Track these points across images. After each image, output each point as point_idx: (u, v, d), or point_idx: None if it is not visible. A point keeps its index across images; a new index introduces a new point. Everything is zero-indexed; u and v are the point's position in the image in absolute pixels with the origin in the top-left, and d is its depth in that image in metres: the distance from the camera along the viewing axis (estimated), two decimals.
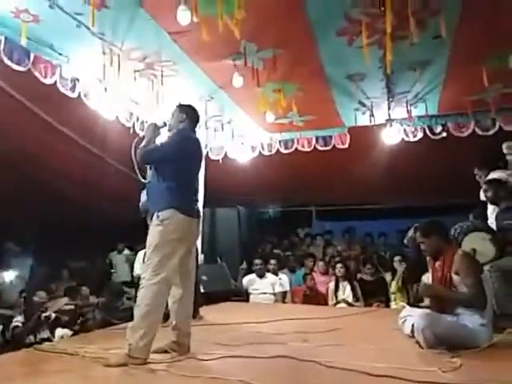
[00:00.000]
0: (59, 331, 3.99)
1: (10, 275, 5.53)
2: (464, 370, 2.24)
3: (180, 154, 2.68)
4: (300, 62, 3.90)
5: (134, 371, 2.36)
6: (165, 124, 2.91)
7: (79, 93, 3.81)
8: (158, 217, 2.60)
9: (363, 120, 5.01)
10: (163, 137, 2.93)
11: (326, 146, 5.34)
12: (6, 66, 3.26)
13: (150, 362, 2.46)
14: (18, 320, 3.98)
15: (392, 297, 5.16)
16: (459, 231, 3.92)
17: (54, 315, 4.02)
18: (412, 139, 5.03)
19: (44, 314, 3.99)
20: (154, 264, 2.54)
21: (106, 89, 3.97)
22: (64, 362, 2.58)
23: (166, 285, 2.57)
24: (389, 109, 4.67)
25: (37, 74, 3.46)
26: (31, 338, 3.71)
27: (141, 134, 4.58)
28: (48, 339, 3.76)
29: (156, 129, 2.86)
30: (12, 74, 3.41)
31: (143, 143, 2.77)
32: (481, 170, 4.31)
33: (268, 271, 5.67)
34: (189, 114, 2.88)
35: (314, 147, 5.38)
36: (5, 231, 4.13)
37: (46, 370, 2.47)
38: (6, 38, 3.20)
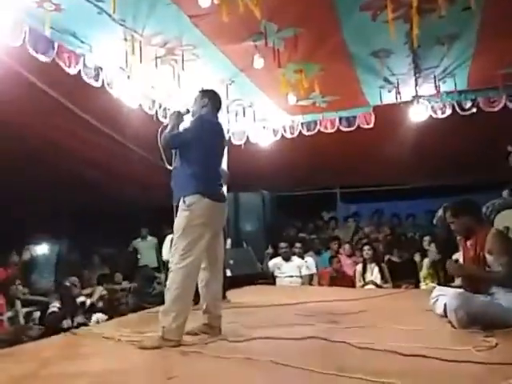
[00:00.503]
0: (94, 316, 4.13)
1: (42, 263, 5.72)
2: (499, 349, 2.20)
3: (202, 139, 2.70)
4: (322, 40, 3.81)
5: (168, 353, 2.42)
6: (188, 111, 2.92)
7: (102, 81, 3.84)
8: (184, 202, 2.62)
9: (389, 98, 4.87)
10: (186, 123, 2.93)
11: (349, 126, 5.23)
12: (31, 56, 3.28)
13: (182, 344, 2.52)
14: (55, 305, 4.12)
15: (422, 278, 5.09)
16: (491, 209, 3.83)
17: (89, 301, 4.15)
18: (440, 116, 4.85)
19: (79, 300, 4.13)
20: (182, 248, 2.58)
21: (128, 77, 3.99)
22: (100, 346, 2.67)
23: (193, 268, 2.60)
24: (416, 85, 4.51)
25: (61, 63, 3.49)
26: (68, 322, 3.84)
27: (164, 120, 4.66)
28: (84, 324, 3.89)
29: (179, 116, 2.87)
30: (37, 64, 3.44)
31: (167, 130, 2.79)
32: None
33: (294, 254, 5.69)
34: (211, 98, 2.89)
35: (338, 128, 5.28)
36: (35, 219, 4.27)
37: (83, 353, 2.57)
38: (30, 29, 3.22)
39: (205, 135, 2.71)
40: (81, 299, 4.19)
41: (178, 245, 2.61)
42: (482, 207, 3.58)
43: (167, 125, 2.86)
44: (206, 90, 2.97)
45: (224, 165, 3.90)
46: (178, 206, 2.69)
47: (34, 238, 3.78)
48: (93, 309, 4.13)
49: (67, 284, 4.37)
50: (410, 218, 7.61)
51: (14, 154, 5.02)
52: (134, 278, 5.78)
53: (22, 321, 3.91)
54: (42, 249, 5.32)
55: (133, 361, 2.35)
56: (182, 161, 2.74)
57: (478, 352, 2.13)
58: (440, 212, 3.32)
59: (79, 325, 3.78)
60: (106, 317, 4.12)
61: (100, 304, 4.33)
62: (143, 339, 2.60)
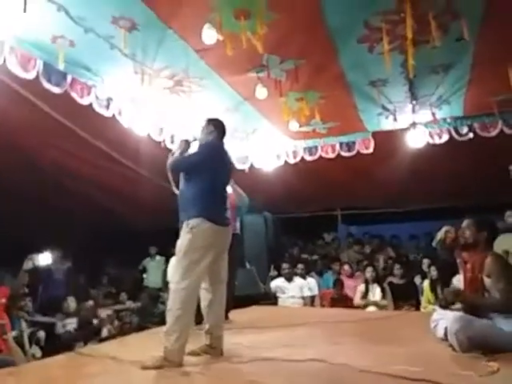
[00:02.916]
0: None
1: (50, 281, 5.78)
2: (502, 375, 2.16)
3: (207, 164, 2.79)
4: (322, 70, 3.97)
5: (170, 374, 2.43)
6: (195, 139, 3.04)
7: (113, 112, 4.01)
8: (187, 225, 2.71)
9: (387, 125, 5.02)
10: (193, 150, 3.07)
11: (349, 151, 5.36)
12: (45, 88, 3.47)
13: (185, 365, 2.54)
14: (72, 323, 4.10)
15: (423, 301, 5.12)
16: None
17: (105, 329, 4.15)
18: (437, 141, 4.98)
19: (96, 322, 4.11)
20: (182, 269, 2.65)
21: (137, 107, 4.15)
22: (103, 365, 2.67)
23: (194, 289, 2.66)
24: (413, 112, 4.65)
25: (74, 94, 3.67)
26: (81, 345, 3.82)
27: (171, 147, 4.82)
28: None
29: (187, 144, 2.99)
30: (50, 96, 3.62)
31: (174, 156, 2.93)
32: None
33: (296, 275, 5.73)
34: (216, 126, 2.99)
35: (338, 153, 5.41)
36: (48, 241, 4.37)
37: (86, 373, 2.57)
38: (44, 63, 3.40)
39: (210, 160, 2.81)
40: (96, 322, 4.18)
41: (179, 265, 2.68)
42: None
43: (175, 152, 3.00)
44: (212, 119, 3.08)
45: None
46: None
47: (42, 258, 3.85)
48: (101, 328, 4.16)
49: (87, 308, 4.35)
50: (410, 240, 7.65)
51: (26, 177, 5.19)
52: (139, 297, 5.81)
53: (26, 341, 3.94)
54: (49, 269, 5.37)
55: (136, 381, 2.37)
56: (188, 184, 2.84)
57: (480, 377, 2.10)
58: (440, 234, 3.37)
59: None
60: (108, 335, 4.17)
61: (106, 323, 4.35)
62: (146, 359, 2.62)
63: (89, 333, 4.07)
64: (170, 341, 2.56)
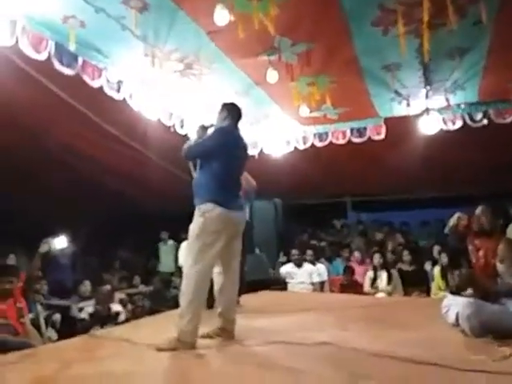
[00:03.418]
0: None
1: (63, 265, 5.84)
2: None
3: (221, 149, 2.78)
4: (334, 54, 3.91)
5: (184, 355, 2.46)
6: (212, 125, 3.01)
7: (124, 95, 3.99)
8: (199, 209, 2.73)
9: (399, 110, 4.95)
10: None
11: (360, 137, 5.30)
12: (57, 69, 3.44)
13: (197, 347, 2.57)
14: (86, 311, 4.14)
15: (434, 287, 5.11)
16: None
17: (123, 314, 4.16)
18: (451, 128, 4.91)
19: (114, 310, 4.13)
20: (194, 253, 2.68)
21: (148, 90, 4.12)
22: (118, 348, 2.72)
23: (206, 272, 2.69)
24: (426, 97, 4.57)
25: (85, 76, 3.65)
26: (97, 329, 3.86)
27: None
28: None
29: (204, 129, 2.98)
30: (62, 77, 3.59)
31: (192, 142, 2.94)
32: None
33: (305, 261, 5.75)
34: (230, 111, 2.98)
35: (349, 139, 5.36)
36: (62, 225, 4.41)
37: (101, 355, 2.62)
38: (56, 43, 3.38)
39: (223, 146, 2.80)
40: (116, 308, 4.18)
41: (191, 249, 2.71)
42: None
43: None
44: (226, 104, 3.06)
45: (249, 177, 4.01)
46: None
47: (58, 241, 3.89)
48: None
49: (104, 292, 4.36)
50: (421, 227, 7.62)
51: (39, 160, 5.21)
52: (151, 281, 5.86)
53: (42, 323, 4.00)
54: (63, 253, 5.43)
55: (150, 363, 2.40)
56: (202, 170, 2.85)
57: (493, 361, 2.10)
58: (452, 221, 3.34)
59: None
60: (123, 319, 4.22)
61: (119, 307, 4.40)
62: (160, 341, 2.66)
63: (106, 317, 4.10)
64: (183, 323, 2.59)
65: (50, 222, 4.93)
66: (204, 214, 2.70)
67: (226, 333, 2.83)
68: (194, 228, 2.73)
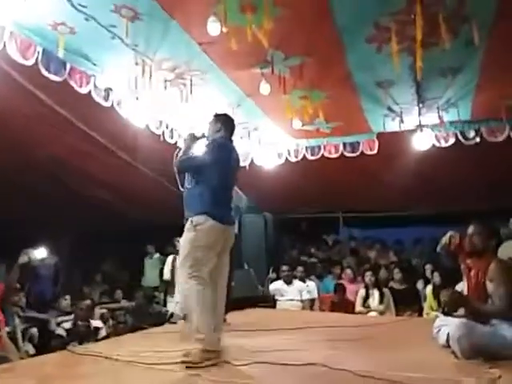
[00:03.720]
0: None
1: (43, 278, 5.70)
2: (503, 382, 2.15)
3: (215, 163, 2.76)
4: (327, 69, 3.90)
5: (167, 374, 2.38)
6: (203, 135, 3.00)
7: (112, 102, 3.94)
8: (191, 222, 2.68)
9: (392, 126, 4.94)
10: (200, 147, 2.99)
11: (353, 152, 5.28)
12: (44, 76, 3.39)
13: (183, 363, 2.49)
14: (63, 327, 4.01)
15: (426, 307, 5.04)
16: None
17: (104, 330, 4.06)
18: (444, 145, 4.91)
19: (94, 325, 4.01)
20: (188, 267, 2.63)
21: (137, 98, 4.08)
22: (97, 365, 2.65)
23: (203, 285, 2.63)
24: (419, 114, 4.58)
25: (72, 83, 3.59)
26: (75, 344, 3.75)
27: (170, 141, 4.74)
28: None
29: (194, 139, 2.96)
30: (49, 84, 3.54)
31: (181, 151, 2.89)
32: None
33: (295, 278, 5.66)
34: (224, 123, 2.96)
35: (342, 153, 5.34)
36: (43, 236, 4.30)
37: (80, 372, 2.55)
38: (43, 50, 3.33)
39: (220, 160, 2.78)
40: (96, 324, 4.06)
41: (184, 266, 2.66)
42: None
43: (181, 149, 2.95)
44: (220, 115, 3.04)
45: (238, 190, 3.97)
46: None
47: (37, 253, 3.78)
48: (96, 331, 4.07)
49: (83, 307, 4.21)
50: (413, 245, 7.58)
51: (22, 169, 5.10)
52: (134, 296, 5.73)
53: (19, 337, 3.87)
54: (43, 264, 5.29)
55: (130, 381, 2.34)
56: (194, 182, 2.81)
57: None
58: (444, 240, 3.30)
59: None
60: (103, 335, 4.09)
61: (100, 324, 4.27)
62: (186, 356, 2.56)
63: (85, 333, 3.96)
64: (206, 332, 2.55)
65: (30, 233, 4.81)
66: (195, 227, 2.64)
67: (212, 351, 2.72)
68: (184, 242, 2.68)
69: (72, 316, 4.33)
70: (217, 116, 3.01)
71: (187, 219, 2.74)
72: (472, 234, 2.97)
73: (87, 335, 3.89)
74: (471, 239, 2.96)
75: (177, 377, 2.36)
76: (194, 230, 2.64)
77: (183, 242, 2.70)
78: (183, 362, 2.49)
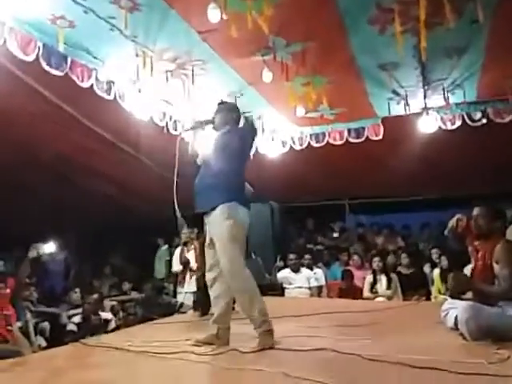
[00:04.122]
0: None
1: (53, 272, 5.76)
2: None
3: (240, 150, 2.79)
4: (330, 54, 3.85)
5: (178, 363, 2.40)
6: (210, 121, 2.96)
7: (114, 95, 3.93)
8: (222, 211, 2.63)
9: (397, 110, 4.89)
10: (208, 134, 2.96)
11: (358, 138, 5.25)
12: (45, 70, 3.38)
13: (191, 355, 2.50)
14: (73, 322, 4.05)
15: (434, 291, 5.04)
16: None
17: (113, 321, 4.10)
18: (450, 127, 4.86)
19: (103, 317, 4.04)
20: (237, 259, 2.63)
21: (139, 90, 4.07)
22: (110, 356, 2.67)
23: (245, 269, 2.66)
24: (425, 97, 4.53)
25: (74, 77, 3.59)
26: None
27: (174, 133, 4.73)
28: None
29: (202, 124, 2.96)
30: (50, 79, 3.53)
31: (190, 141, 2.91)
32: None
33: (303, 266, 5.67)
34: (230, 111, 2.95)
35: (346, 140, 5.30)
36: (52, 230, 4.35)
37: (92, 363, 2.58)
38: (44, 44, 3.33)
39: (242, 146, 2.81)
40: (105, 316, 4.09)
41: (233, 258, 2.63)
42: None
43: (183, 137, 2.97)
44: (228, 104, 3.04)
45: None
46: (203, 214, 2.75)
47: (47, 247, 3.82)
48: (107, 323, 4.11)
49: (92, 301, 4.24)
50: (420, 230, 7.55)
51: (28, 165, 5.13)
52: (144, 288, 5.77)
53: (31, 331, 3.92)
54: (53, 259, 5.35)
55: (142, 371, 2.35)
56: (213, 169, 2.75)
57: (491, 364, 2.08)
58: (451, 223, 3.29)
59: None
60: (113, 326, 4.14)
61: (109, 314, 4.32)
62: (258, 343, 2.60)
63: (95, 325, 4.00)
64: (266, 320, 2.63)
65: (39, 228, 4.85)
66: (230, 215, 2.62)
67: (220, 340, 2.75)
68: (224, 232, 2.63)
69: (81, 309, 4.37)
70: (225, 105, 3.01)
71: (210, 208, 2.68)
72: (477, 216, 2.95)
73: (97, 328, 3.92)
74: (476, 221, 2.95)
75: (188, 365, 2.38)
76: (231, 219, 2.61)
77: (222, 233, 2.62)
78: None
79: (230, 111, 2.94)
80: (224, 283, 2.77)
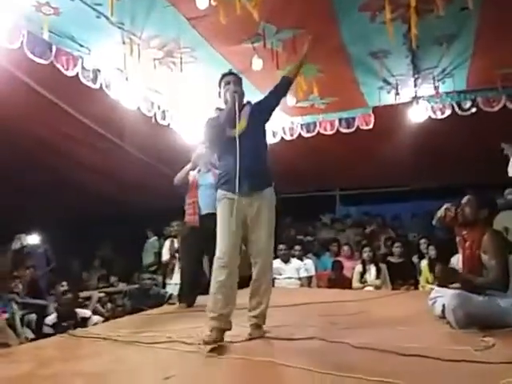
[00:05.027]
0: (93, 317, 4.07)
1: (39, 266, 5.68)
2: (497, 349, 2.19)
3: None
4: (320, 41, 3.75)
5: (166, 352, 2.40)
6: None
7: (101, 84, 3.86)
8: (271, 194, 2.64)
9: (388, 99, 4.86)
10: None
11: (349, 127, 5.23)
12: (29, 59, 3.31)
13: (184, 342, 2.51)
14: (50, 320, 3.98)
15: (422, 280, 5.08)
16: None
17: (93, 317, 4.03)
18: (440, 116, 4.86)
19: (80, 315, 3.97)
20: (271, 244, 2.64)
21: (126, 78, 4.00)
22: (98, 347, 2.66)
23: None
24: (415, 86, 4.52)
25: (59, 66, 3.52)
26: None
27: (162, 122, 4.66)
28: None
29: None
30: (35, 67, 3.46)
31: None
32: (507, 144, 4.16)
33: (293, 256, 5.67)
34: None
35: (337, 129, 5.28)
36: (37, 222, 4.27)
37: (81, 354, 2.57)
38: (28, 32, 3.25)
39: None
40: (83, 313, 4.01)
41: (271, 240, 2.63)
42: None
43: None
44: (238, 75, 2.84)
45: None
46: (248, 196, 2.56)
47: (28, 240, 3.75)
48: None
49: (65, 301, 4.12)
50: (410, 220, 7.59)
51: (12, 155, 5.03)
52: (132, 279, 5.76)
53: (18, 323, 3.88)
54: (37, 250, 5.25)
55: (131, 360, 2.35)
56: (262, 151, 2.69)
57: (477, 352, 2.12)
58: (440, 212, 3.30)
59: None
60: (102, 318, 4.10)
61: (98, 307, 4.27)
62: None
63: (71, 326, 3.85)
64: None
65: (24, 220, 4.77)
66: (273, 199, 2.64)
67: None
68: (273, 217, 2.64)
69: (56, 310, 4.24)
70: (238, 77, 2.81)
71: (256, 189, 2.57)
72: (464, 205, 2.97)
73: (75, 327, 3.75)
74: (463, 210, 2.97)
75: (175, 355, 2.37)
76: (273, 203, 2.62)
77: (273, 219, 2.62)
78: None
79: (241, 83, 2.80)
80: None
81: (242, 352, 2.31)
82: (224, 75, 2.77)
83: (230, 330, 2.52)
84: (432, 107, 4.85)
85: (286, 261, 5.57)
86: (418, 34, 3.32)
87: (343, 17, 3.46)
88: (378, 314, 3.38)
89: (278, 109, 5.12)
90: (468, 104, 4.76)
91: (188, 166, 3.99)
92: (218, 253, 2.56)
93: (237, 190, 2.48)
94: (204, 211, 3.77)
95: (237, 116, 2.59)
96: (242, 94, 2.71)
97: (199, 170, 4.04)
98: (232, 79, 2.72)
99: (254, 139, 2.61)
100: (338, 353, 2.30)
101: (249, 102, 2.75)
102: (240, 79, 2.79)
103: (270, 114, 2.78)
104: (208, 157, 3.91)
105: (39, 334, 3.76)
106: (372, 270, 5.21)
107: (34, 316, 4.24)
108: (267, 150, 2.72)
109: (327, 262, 6.23)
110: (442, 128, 5.07)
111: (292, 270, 5.53)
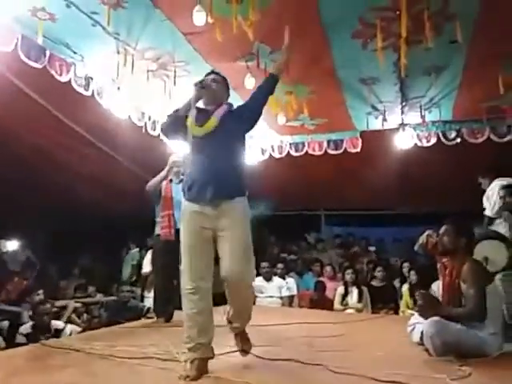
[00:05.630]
0: (67, 327, 3.97)
1: (16, 273, 5.54)
2: (473, 379, 2.20)
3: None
4: (313, 64, 3.89)
5: (139, 368, 2.35)
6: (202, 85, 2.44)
7: (93, 91, 3.85)
8: (243, 206, 2.32)
9: (375, 124, 4.97)
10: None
11: (337, 149, 5.31)
12: (23, 62, 3.30)
13: (156, 358, 2.47)
14: (25, 330, 3.86)
15: (401, 304, 5.10)
16: None
17: (67, 327, 3.93)
18: (426, 144, 4.97)
19: (55, 326, 3.87)
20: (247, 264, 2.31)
21: (118, 88, 4.00)
22: (70, 358, 2.61)
23: None
24: (402, 113, 4.63)
25: (52, 71, 3.51)
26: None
27: (152, 133, 4.66)
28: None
29: (202, 89, 2.42)
30: (28, 71, 3.45)
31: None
32: (484, 178, 4.27)
33: (275, 275, 5.65)
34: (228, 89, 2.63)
35: (325, 151, 5.36)
36: (17, 230, 4.16)
37: (50, 364, 2.50)
38: (22, 36, 3.25)
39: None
40: (57, 325, 3.88)
41: (251, 258, 2.34)
42: None
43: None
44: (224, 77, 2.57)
45: None
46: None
47: (6, 246, 3.64)
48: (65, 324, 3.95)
49: (41, 311, 3.99)
50: (392, 244, 7.66)
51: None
52: (110, 290, 5.64)
53: None
54: (14, 257, 5.11)
55: (102, 374, 2.30)
56: (238, 155, 2.40)
57: (453, 381, 2.11)
58: (421, 239, 3.34)
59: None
60: (79, 329, 3.99)
61: (73, 316, 4.16)
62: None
63: (45, 337, 3.74)
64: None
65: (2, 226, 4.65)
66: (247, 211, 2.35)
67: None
68: (248, 232, 2.32)
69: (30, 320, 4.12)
70: (223, 78, 2.55)
71: (227, 197, 2.27)
72: (443, 233, 3.00)
73: (48, 338, 3.64)
74: (442, 238, 3.00)
75: (150, 371, 2.33)
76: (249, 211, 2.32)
77: (248, 234, 2.30)
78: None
79: (227, 89, 2.60)
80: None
81: (216, 370, 2.27)
82: (207, 74, 2.55)
83: (212, 358, 2.30)
84: (418, 135, 4.96)
85: (268, 279, 5.53)
86: (408, 64, 3.43)
87: (335, 42, 3.55)
88: (357, 338, 3.37)
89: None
90: (453, 134, 4.88)
91: (162, 173, 3.85)
92: (183, 282, 2.30)
93: (205, 197, 2.22)
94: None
95: (193, 105, 2.36)
96: (217, 93, 2.45)
97: (171, 180, 3.90)
98: (213, 77, 2.50)
99: (226, 143, 2.31)
100: (314, 376, 2.27)
101: (229, 104, 2.51)
102: (223, 79, 2.54)
103: (252, 123, 2.53)
104: (182, 165, 3.74)
105: (11, 343, 3.63)
106: (354, 292, 5.21)
107: (6, 323, 4.10)
108: (242, 159, 2.42)
109: (310, 281, 6.22)
110: (428, 156, 5.17)
111: (274, 289, 5.50)
